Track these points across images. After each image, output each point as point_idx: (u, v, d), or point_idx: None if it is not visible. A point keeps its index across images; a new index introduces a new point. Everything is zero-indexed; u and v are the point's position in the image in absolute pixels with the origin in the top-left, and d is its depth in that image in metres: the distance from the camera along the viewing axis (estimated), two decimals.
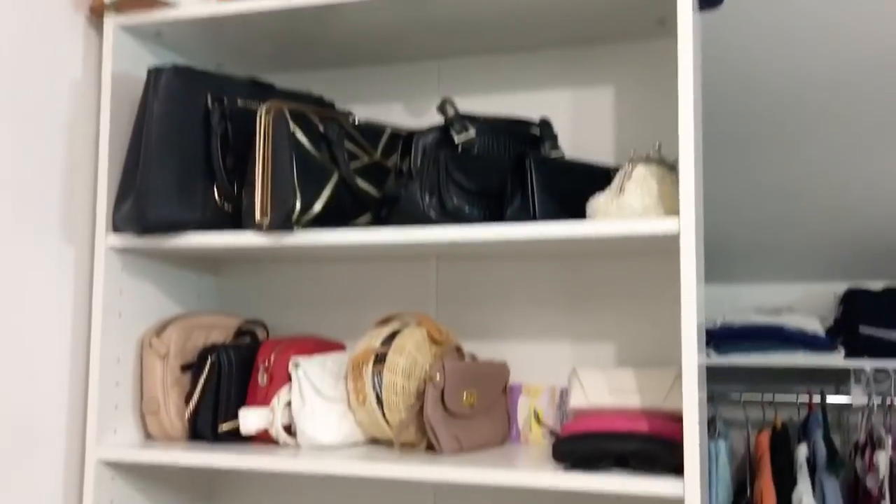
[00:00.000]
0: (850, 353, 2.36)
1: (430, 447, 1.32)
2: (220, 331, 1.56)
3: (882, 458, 2.13)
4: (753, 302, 2.63)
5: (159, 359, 1.46)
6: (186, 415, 1.45)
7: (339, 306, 1.66)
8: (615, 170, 1.29)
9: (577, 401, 1.34)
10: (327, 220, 1.33)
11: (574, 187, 1.28)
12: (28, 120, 1.36)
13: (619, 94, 1.52)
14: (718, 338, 2.43)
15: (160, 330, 1.48)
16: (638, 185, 1.19)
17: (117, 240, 1.42)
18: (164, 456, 1.37)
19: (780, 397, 2.27)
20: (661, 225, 1.15)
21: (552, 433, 1.45)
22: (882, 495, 2.10)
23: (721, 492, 2.17)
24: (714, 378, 2.45)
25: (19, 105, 1.34)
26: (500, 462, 1.26)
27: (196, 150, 1.38)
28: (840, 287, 2.56)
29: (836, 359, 2.33)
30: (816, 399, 2.28)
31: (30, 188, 1.36)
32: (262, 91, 1.47)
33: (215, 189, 1.39)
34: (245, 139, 1.38)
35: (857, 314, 2.40)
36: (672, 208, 1.19)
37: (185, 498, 1.62)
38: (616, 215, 1.18)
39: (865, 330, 2.36)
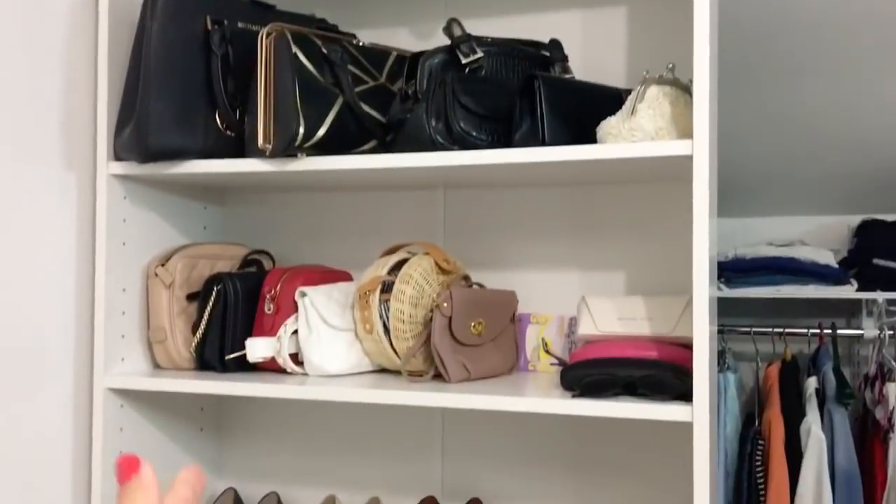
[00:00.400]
0: (863, 286, 2.33)
1: (438, 376, 1.32)
2: (225, 261, 1.55)
3: (892, 390, 2.12)
4: (767, 235, 2.60)
5: (165, 288, 1.45)
6: (193, 344, 1.44)
7: (346, 236, 1.64)
8: (627, 92, 1.25)
9: (585, 328, 1.33)
10: (332, 146, 1.30)
11: (585, 110, 1.25)
12: (24, 45, 1.32)
13: (632, 15, 1.47)
14: (730, 271, 2.41)
15: (165, 259, 1.47)
16: (650, 106, 1.15)
17: (119, 167, 1.39)
18: (171, 384, 1.37)
19: (790, 329, 2.26)
20: (673, 147, 1.12)
21: (560, 361, 1.44)
22: (891, 426, 2.09)
23: (729, 423, 2.18)
24: (725, 311, 2.43)
25: (15, 31, 1.31)
26: (508, 389, 1.25)
27: (196, 75, 1.34)
28: (854, 220, 2.52)
29: (848, 291, 2.31)
30: (827, 331, 2.26)
31: (28, 116, 1.33)
32: (263, 13, 1.42)
33: (217, 115, 1.36)
34: (246, 63, 1.34)
35: (871, 246, 2.37)
36: (685, 131, 1.16)
37: (195, 426, 1.63)
38: (627, 138, 1.15)
39: (879, 262, 2.33)
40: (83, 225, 1.43)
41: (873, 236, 2.40)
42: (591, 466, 1.50)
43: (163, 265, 1.46)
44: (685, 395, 1.12)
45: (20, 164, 1.32)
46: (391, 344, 1.34)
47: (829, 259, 2.31)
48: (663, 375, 1.16)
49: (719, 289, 2.38)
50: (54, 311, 1.38)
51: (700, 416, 1.09)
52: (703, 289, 1.10)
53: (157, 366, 1.49)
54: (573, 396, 1.18)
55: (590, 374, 1.19)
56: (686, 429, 1.11)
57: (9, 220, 1.30)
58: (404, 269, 1.35)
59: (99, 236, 1.40)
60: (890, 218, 2.45)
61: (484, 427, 1.56)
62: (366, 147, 1.36)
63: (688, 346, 1.15)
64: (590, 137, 1.22)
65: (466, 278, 1.43)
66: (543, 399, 1.18)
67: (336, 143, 1.31)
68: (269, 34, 1.29)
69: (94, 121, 1.42)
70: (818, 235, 2.56)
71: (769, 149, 2.42)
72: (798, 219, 2.62)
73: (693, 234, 1.10)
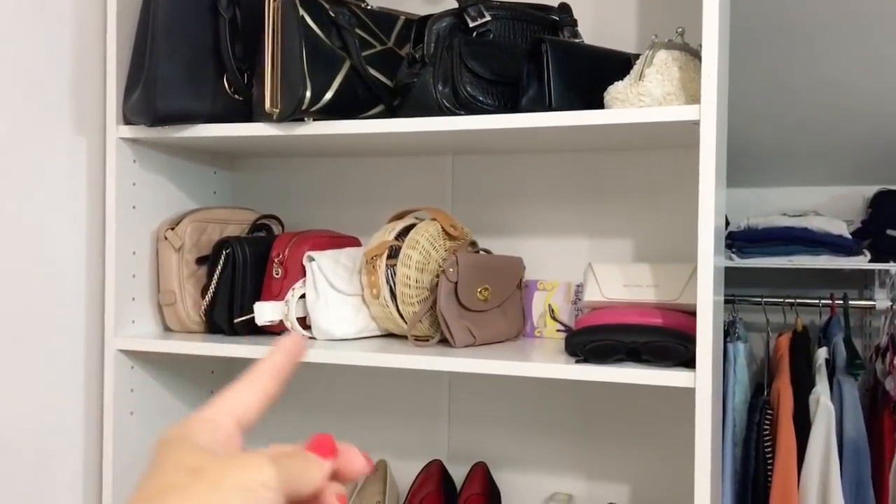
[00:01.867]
0: (876, 257, 2.31)
1: (444, 341, 1.33)
2: (235, 225, 1.56)
3: None
4: (780, 205, 2.58)
5: (174, 252, 1.46)
6: (203, 307, 1.46)
7: (355, 202, 1.65)
8: (636, 57, 1.23)
9: (591, 295, 1.33)
10: (339, 110, 1.30)
11: (593, 75, 1.23)
12: (34, 10, 1.32)
13: None
14: (742, 240, 2.39)
15: (175, 223, 1.48)
16: (659, 71, 1.14)
17: (128, 131, 1.40)
18: (180, 346, 1.39)
19: (801, 300, 2.25)
20: (680, 112, 1.11)
21: (566, 328, 1.45)
22: None
23: (738, 393, 2.17)
24: (737, 281, 2.43)
25: None
26: (513, 354, 1.26)
27: (204, 38, 1.34)
28: (869, 190, 2.50)
29: (860, 261, 2.29)
30: (839, 302, 2.25)
31: (38, 80, 1.34)
32: None
33: (225, 79, 1.36)
34: (254, 26, 1.34)
35: (885, 216, 2.35)
36: (694, 96, 1.15)
37: (205, 389, 1.65)
38: (635, 103, 1.14)
39: (893, 232, 2.31)
40: (93, 188, 1.44)
41: (888, 207, 2.37)
42: (596, 432, 1.51)
43: (172, 229, 1.47)
44: (689, 362, 1.13)
45: (30, 128, 1.33)
46: (398, 309, 1.35)
47: (842, 229, 2.29)
48: (667, 342, 1.16)
49: (731, 258, 2.37)
50: (65, 274, 1.40)
51: (703, 383, 1.09)
52: (709, 256, 1.10)
53: (167, 328, 1.51)
54: (577, 362, 1.19)
55: (594, 339, 1.19)
56: (689, 395, 1.12)
57: (19, 183, 1.31)
58: (411, 234, 1.35)
59: (109, 200, 1.41)
60: None
61: (489, 392, 1.57)
62: (373, 112, 1.35)
63: (693, 314, 1.15)
64: (598, 102, 1.21)
65: (473, 244, 1.43)
66: (547, 364, 1.18)
67: (343, 108, 1.31)
68: None
69: (103, 84, 1.43)
70: (832, 206, 2.54)
71: (783, 118, 2.40)
72: (812, 189, 2.59)
73: (699, 200, 1.10)
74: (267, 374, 0.46)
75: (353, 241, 1.54)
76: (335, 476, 0.44)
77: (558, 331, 1.47)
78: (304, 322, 1.40)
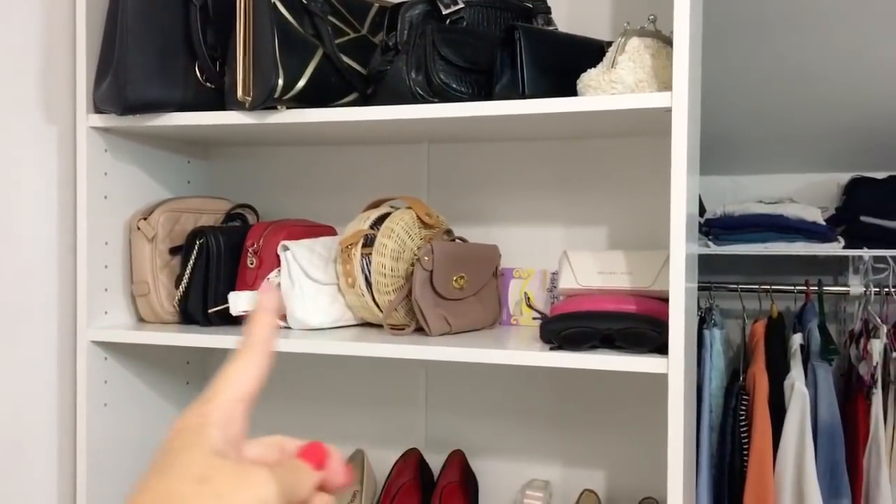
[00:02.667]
0: (850, 244, 2.33)
1: (420, 329, 1.33)
2: (209, 215, 1.54)
3: (877, 346, 2.13)
4: (757, 193, 2.59)
5: (147, 242, 1.45)
6: (176, 298, 1.45)
7: (331, 191, 1.64)
8: (610, 44, 1.23)
9: (566, 282, 1.33)
10: (312, 98, 1.29)
11: (567, 62, 1.23)
12: None
13: None
14: (718, 227, 2.41)
15: (148, 213, 1.47)
16: (631, 58, 1.14)
17: (99, 120, 1.38)
18: (154, 337, 1.38)
19: (777, 286, 2.26)
20: (651, 99, 1.11)
21: (542, 315, 1.45)
22: (874, 381, 2.11)
23: (715, 378, 2.19)
24: (712, 269, 2.44)
25: None
26: (488, 342, 1.26)
27: (175, 25, 1.33)
28: (843, 177, 2.51)
29: (835, 248, 2.31)
30: (814, 288, 2.27)
31: (6, 69, 1.32)
32: None
33: (197, 67, 1.35)
34: (226, 13, 1.33)
35: (859, 203, 2.37)
36: (666, 84, 1.15)
37: (181, 380, 1.64)
38: (607, 90, 1.14)
39: (867, 219, 2.33)
40: (64, 178, 1.42)
41: (861, 194, 2.39)
42: (572, 419, 1.52)
43: (145, 219, 1.45)
44: (662, 348, 1.13)
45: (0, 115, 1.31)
46: (373, 298, 1.35)
47: (816, 216, 2.31)
48: (641, 328, 1.17)
49: (707, 246, 2.38)
50: (37, 265, 1.38)
51: (675, 368, 1.10)
52: (681, 243, 1.10)
53: (140, 319, 1.49)
54: (552, 349, 1.19)
55: (569, 326, 1.19)
56: (662, 381, 1.12)
57: None
58: (386, 223, 1.35)
59: (80, 189, 1.39)
60: (879, 175, 2.44)
61: (466, 380, 1.57)
62: (346, 100, 1.35)
63: (666, 300, 1.15)
64: (571, 90, 1.21)
65: (449, 232, 1.43)
66: (523, 352, 1.18)
67: (316, 96, 1.30)
68: None
69: (73, 73, 1.41)
70: (808, 193, 2.56)
71: (759, 106, 2.41)
72: (788, 176, 2.61)
73: (671, 187, 1.10)
74: (258, 347, 0.47)
75: (329, 230, 1.53)
76: (320, 486, 0.46)
77: (534, 318, 1.47)
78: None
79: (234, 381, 0.45)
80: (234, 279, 1.44)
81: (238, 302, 1.38)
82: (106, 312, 1.44)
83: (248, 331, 0.48)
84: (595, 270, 1.31)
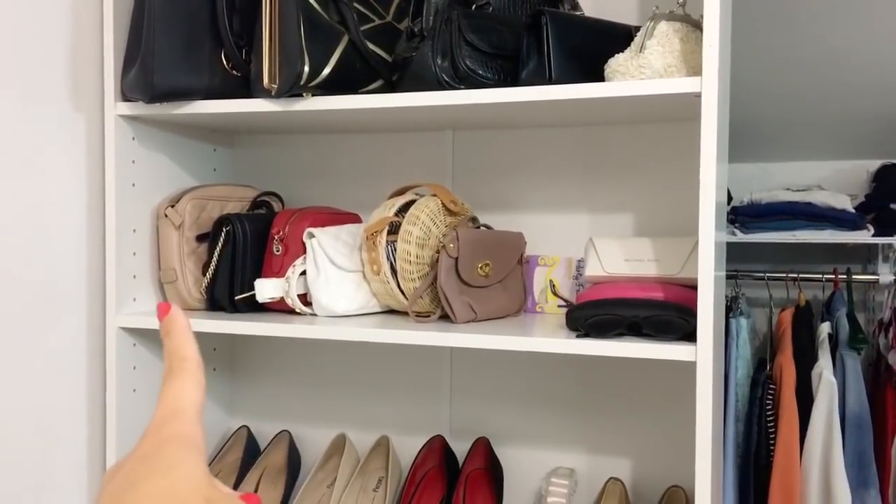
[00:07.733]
0: (880, 231, 2.30)
1: (445, 317, 1.32)
2: (235, 202, 1.55)
3: None
4: (784, 180, 2.57)
5: (174, 229, 1.46)
6: (203, 285, 1.46)
7: (356, 178, 1.64)
8: (638, 29, 1.22)
9: (592, 270, 1.33)
10: (337, 85, 1.29)
11: (594, 47, 1.22)
12: None
13: None
14: (746, 215, 2.39)
15: (175, 201, 1.47)
16: (660, 42, 1.13)
17: (126, 108, 1.39)
18: None
19: (804, 275, 2.24)
20: (681, 84, 1.09)
21: (567, 303, 1.45)
22: None
23: (741, 368, 2.18)
24: (740, 257, 2.42)
25: None
26: (514, 329, 1.25)
27: (201, 13, 1.33)
28: (873, 164, 2.48)
29: (864, 236, 2.28)
30: (842, 276, 2.25)
31: (35, 57, 1.33)
32: None
33: (223, 54, 1.35)
34: (252, 1, 1.33)
35: (889, 191, 2.34)
36: (696, 68, 1.14)
37: (208, 366, 1.65)
38: (635, 75, 1.13)
39: None
40: (93, 166, 1.43)
41: (891, 181, 2.36)
42: (598, 407, 1.51)
43: (172, 206, 1.46)
44: (690, 336, 1.12)
45: (28, 105, 1.32)
46: (398, 285, 1.35)
47: (845, 204, 2.28)
48: (668, 316, 1.16)
49: (734, 233, 2.36)
50: (66, 253, 1.39)
51: (704, 356, 1.09)
52: (709, 230, 1.09)
53: None
54: (578, 337, 1.19)
55: (595, 314, 1.19)
56: (690, 369, 1.11)
57: (18, 161, 1.31)
58: (411, 210, 1.35)
59: (108, 177, 1.41)
60: None
61: (491, 368, 1.57)
62: (372, 87, 1.34)
63: (694, 288, 1.14)
64: (599, 75, 1.20)
65: (474, 220, 1.43)
66: (549, 339, 1.18)
67: (342, 83, 1.30)
68: None
69: (101, 61, 1.42)
70: (836, 180, 2.53)
71: (787, 92, 2.38)
72: (816, 163, 2.58)
73: (700, 173, 1.09)
74: (192, 366, 0.46)
75: (354, 218, 1.53)
76: None
77: (559, 306, 1.47)
78: (304, 298, 1.40)
79: (189, 402, 0.44)
80: (261, 266, 1.45)
81: (264, 289, 1.39)
82: (134, 299, 1.45)
83: (173, 352, 0.46)
84: (621, 258, 1.30)
